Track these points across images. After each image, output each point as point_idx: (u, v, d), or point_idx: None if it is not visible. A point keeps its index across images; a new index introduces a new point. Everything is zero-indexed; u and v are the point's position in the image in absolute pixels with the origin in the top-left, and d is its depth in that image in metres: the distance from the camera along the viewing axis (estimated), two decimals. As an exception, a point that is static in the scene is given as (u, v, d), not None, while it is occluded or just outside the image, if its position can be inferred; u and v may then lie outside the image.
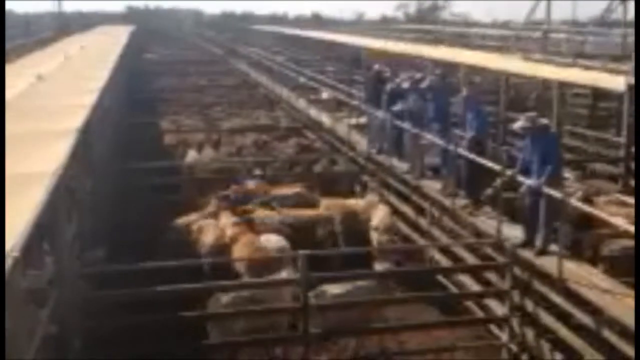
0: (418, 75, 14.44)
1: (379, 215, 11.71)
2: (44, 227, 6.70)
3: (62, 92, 13.43)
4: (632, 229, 7.50)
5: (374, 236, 11.51)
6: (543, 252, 8.91)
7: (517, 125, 9.61)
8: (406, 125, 13.18)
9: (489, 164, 10.23)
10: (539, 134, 9.31)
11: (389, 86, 14.47)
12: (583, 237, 9.45)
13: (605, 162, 14.55)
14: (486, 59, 19.69)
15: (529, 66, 17.26)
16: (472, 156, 10.72)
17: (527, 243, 9.18)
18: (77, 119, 9.88)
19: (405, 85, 13.81)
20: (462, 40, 26.40)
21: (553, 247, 8.87)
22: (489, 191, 10.42)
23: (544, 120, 9.83)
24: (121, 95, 24.49)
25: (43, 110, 11.05)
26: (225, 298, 8.85)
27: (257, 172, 15.17)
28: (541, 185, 8.84)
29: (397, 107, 13.75)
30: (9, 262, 4.74)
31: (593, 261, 8.81)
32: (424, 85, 13.33)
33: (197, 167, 15.75)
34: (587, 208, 8.84)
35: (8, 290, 4.77)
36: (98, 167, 12.92)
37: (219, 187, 13.58)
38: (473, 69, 20.06)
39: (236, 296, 8.86)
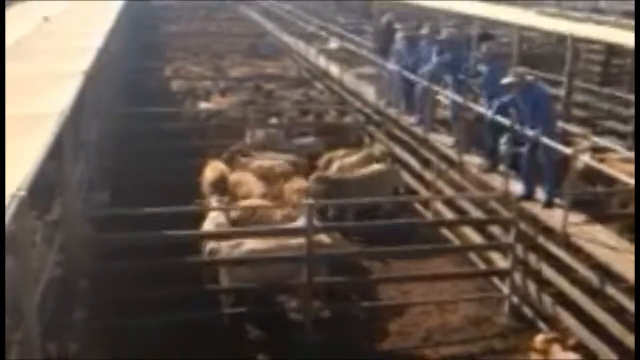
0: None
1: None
2: (50, 168, 6.69)
3: (69, 34, 13.26)
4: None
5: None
6: (549, 204, 8.88)
7: (505, 80, 9.48)
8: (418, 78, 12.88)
9: (499, 118, 10.10)
10: (527, 88, 9.19)
11: (400, 35, 14.11)
12: (590, 193, 9.44)
13: (615, 120, 14.38)
14: (500, 12, 19.29)
15: (543, 20, 16.93)
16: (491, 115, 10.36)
17: (527, 196, 9.14)
18: (84, 61, 9.78)
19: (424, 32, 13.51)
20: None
21: (558, 201, 8.85)
22: (502, 148, 10.26)
23: (530, 77, 9.67)
24: (128, 39, 24.23)
25: (49, 51, 10.92)
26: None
27: (273, 120, 15.07)
28: (537, 135, 8.80)
29: (427, 67, 12.77)
30: (15, 202, 4.74)
31: (600, 217, 8.80)
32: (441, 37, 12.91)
33: (213, 115, 15.64)
34: (595, 164, 8.79)
35: (16, 230, 4.80)
36: (104, 110, 12.87)
37: (234, 135, 13.62)
38: (487, 22, 19.67)
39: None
